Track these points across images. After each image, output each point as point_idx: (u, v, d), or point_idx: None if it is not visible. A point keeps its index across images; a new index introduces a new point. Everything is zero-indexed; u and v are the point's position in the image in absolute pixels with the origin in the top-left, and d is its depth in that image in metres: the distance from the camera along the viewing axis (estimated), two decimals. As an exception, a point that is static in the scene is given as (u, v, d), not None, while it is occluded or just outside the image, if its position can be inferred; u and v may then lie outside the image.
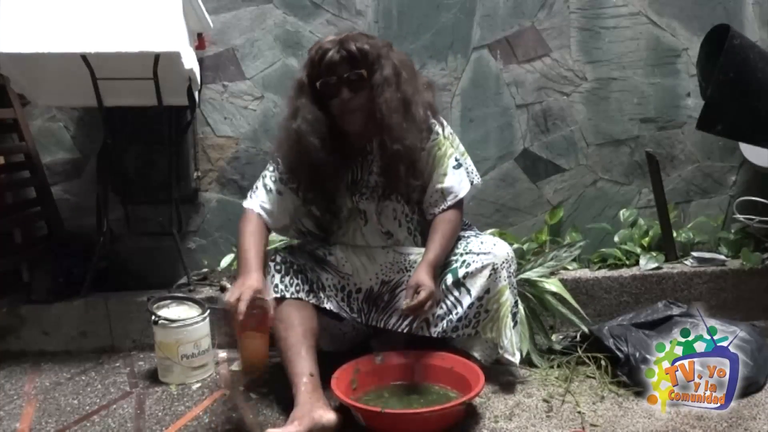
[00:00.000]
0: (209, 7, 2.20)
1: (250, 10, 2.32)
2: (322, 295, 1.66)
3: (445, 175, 1.68)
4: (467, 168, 1.76)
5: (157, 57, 1.88)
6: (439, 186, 1.68)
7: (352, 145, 1.69)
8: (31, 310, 2.10)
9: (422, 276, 1.56)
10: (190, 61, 1.91)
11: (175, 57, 1.82)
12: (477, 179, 1.80)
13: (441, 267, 1.66)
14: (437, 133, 1.69)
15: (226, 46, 2.33)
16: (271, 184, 1.70)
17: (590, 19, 2.34)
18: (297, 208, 1.73)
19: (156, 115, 2.06)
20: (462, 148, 1.78)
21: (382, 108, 1.57)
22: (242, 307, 1.39)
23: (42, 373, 1.96)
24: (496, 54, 2.35)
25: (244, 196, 2.34)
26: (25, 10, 1.78)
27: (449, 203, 1.68)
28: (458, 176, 1.70)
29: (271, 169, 1.72)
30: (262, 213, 1.68)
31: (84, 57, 1.85)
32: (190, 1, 1.95)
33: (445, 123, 1.74)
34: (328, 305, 1.66)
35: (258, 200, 1.70)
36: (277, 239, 2.17)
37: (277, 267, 1.63)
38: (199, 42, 2.24)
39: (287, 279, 1.61)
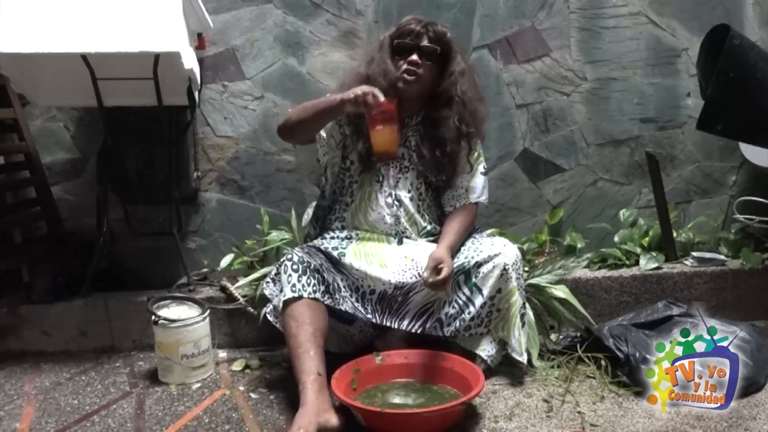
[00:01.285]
0: (209, 7, 2.20)
1: (250, 10, 2.32)
2: (338, 296, 1.67)
3: (474, 176, 1.84)
4: (486, 180, 1.89)
5: (157, 57, 1.88)
6: (467, 183, 1.83)
7: None
8: (31, 310, 2.10)
9: (444, 253, 1.65)
10: (190, 61, 1.91)
11: (175, 57, 1.82)
12: (486, 198, 1.88)
13: (456, 251, 1.74)
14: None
15: (226, 46, 2.33)
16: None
17: (590, 19, 2.34)
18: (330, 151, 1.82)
19: (156, 115, 2.06)
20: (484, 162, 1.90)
21: (462, 94, 1.76)
22: (374, 93, 1.54)
23: (42, 373, 1.96)
24: (496, 54, 2.35)
25: (244, 196, 2.38)
26: (25, 10, 1.78)
27: (470, 201, 1.83)
28: (484, 182, 1.87)
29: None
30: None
31: (84, 57, 1.85)
32: (190, 1, 1.95)
33: None
34: (344, 306, 1.67)
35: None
36: (277, 239, 2.17)
37: (294, 267, 1.63)
38: (199, 42, 2.24)
39: (304, 278, 1.62)
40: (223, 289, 2.11)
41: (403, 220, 1.80)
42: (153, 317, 1.83)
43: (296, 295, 1.60)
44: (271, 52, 2.34)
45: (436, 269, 1.61)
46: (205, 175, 2.39)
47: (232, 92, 2.36)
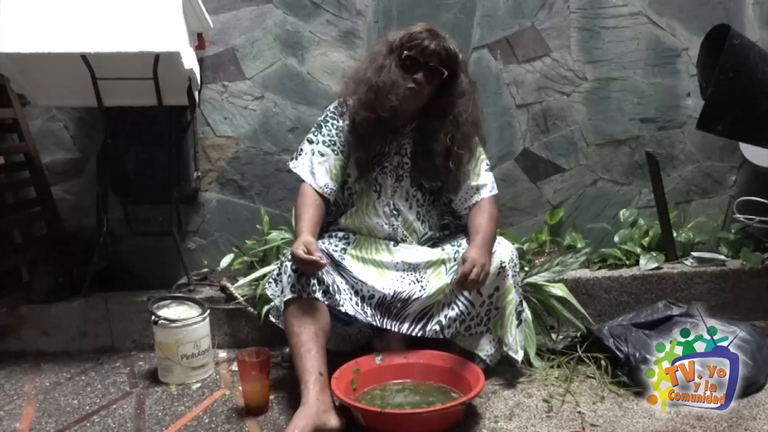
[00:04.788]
0: (209, 7, 2.20)
1: (250, 10, 2.32)
2: (338, 297, 1.67)
3: (478, 175, 1.82)
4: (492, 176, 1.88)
5: (157, 57, 1.88)
6: (474, 183, 1.81)
7: (391, 121, 1.77)
8: (31, 310, 2.10)
9: (472, 252, 1.63)
10: (190, 61, 1.91)
11: (175, 57, 1.82)
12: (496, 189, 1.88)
13: (491, 245, 1.71)
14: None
15: (226, 46, 2.33)
16: (319, 148, 1.79)
17: (590, 19, 2.34)
18: (337, 170, 1.80)
19: (156, 115, 2.06)
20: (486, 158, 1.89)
21: (458, 115, 1.73)
22: (305, 254, 1.55)
23: (42, 373, 1.96)
24: (496, 54, 2.35)
25: (244, 196, 2.38)
26: (25, 10, 1.78)
27: (482, 195, 1.81)
28: (491, 177, 1.85)
29: (317, 135, 1.80)
30: (312, 180, 1.76)
31: (84, 57, 1.85)
32: (190, 1, 1.95)
33: None
34: (344, 308, 1.66)
35: (307, 167, 1.78)
36: (277, 239, 2.17)
37: (294, 267, 1.64)
38: (199, 42, 2.23)
39: (304, 279, 1.62)
40: (223, 289, 2.11)
41: (401, 228, 1.80)
42: (153, 317, 1.83)
43: (296, 295, 1.60)
44: (271, 52, 2.34)
45: (464, 268, 1.58)
46: (205, 175, 2.39)
47: (232, 92, 2.36)
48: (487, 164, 1.86)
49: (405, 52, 1.69)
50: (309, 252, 1.56)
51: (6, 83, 2.14)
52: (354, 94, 1.76)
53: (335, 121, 1.81)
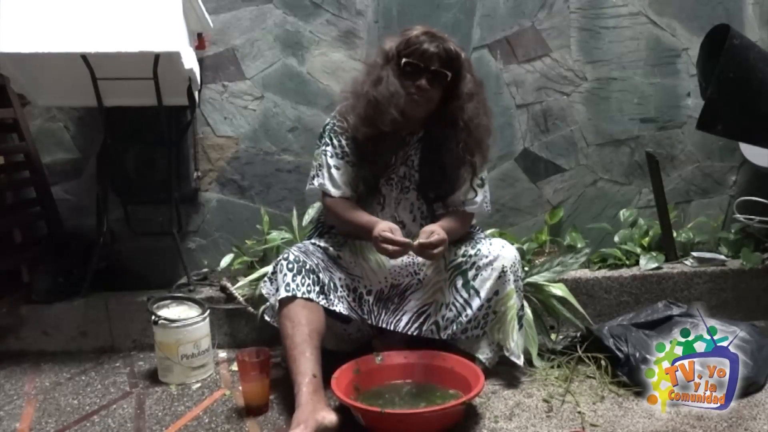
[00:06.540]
0: (209, 7, 2.20)
1: (250, 10, 2.32)
2: (333, 296, 1.67)
3: (474, 189, 1.77)
4: (485, 192, 1.83)
5: (157, 57, 1.88)
6: (463, 197, 1.77)
7: (396, 133, 1.72)
8: (31, 310, 2.10)
9: (436, 226, 1.62)
10: (190, 61, 1.91)
11: (175, 57, 1.82)
12: (487, 207, 1.84)
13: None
14: None
15: (226, 46, 2.33)
16: (333, 162, 1.75)
17: (590, 19, 2.34)
18: (353, 181, 1.77)
19: (156, 115, 2.06)
20: (485, 173, 1.84)
21: (468, 120, 1.66)
22: (395, 241, 1.55)
23: (42, 373, 1.96)
24: (496, 54, 2.35)
25: (245, 196, 2.38)
26: (25, 10, 1.78)
27: (465, 209, 1.77)
28: (482, 195, 1.80)
29: (328, 146, 1.76)
30: (338, 192, 1.74)
31: (84, 57, 1.85)
32: (190, 1, 1.95)
33: None
34: (338, 308, 1.67)
35: (330, 182, 1.75)
36: (277, 239, 2.17)
37: (290, 266, 1.63)
38: (199, 42, 2.23)
39: (299, 278, 1.62)
40: (223, 289, 2.11)
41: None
42: (153, 317, 1.83)
43: (290, 294, 1.60)
44: (271, 52, 2.34)
45: (433, 240, 1.57)
46: (205, 175, 2.39)
47: (232, 92, 2.36)
48: (481, 179, 1.79)
49: (404, 59, 1.63)
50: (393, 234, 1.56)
51: (6, 83, 2.14)
52: (353, 110, 1.69)
53: (339, 136, 1.75)
